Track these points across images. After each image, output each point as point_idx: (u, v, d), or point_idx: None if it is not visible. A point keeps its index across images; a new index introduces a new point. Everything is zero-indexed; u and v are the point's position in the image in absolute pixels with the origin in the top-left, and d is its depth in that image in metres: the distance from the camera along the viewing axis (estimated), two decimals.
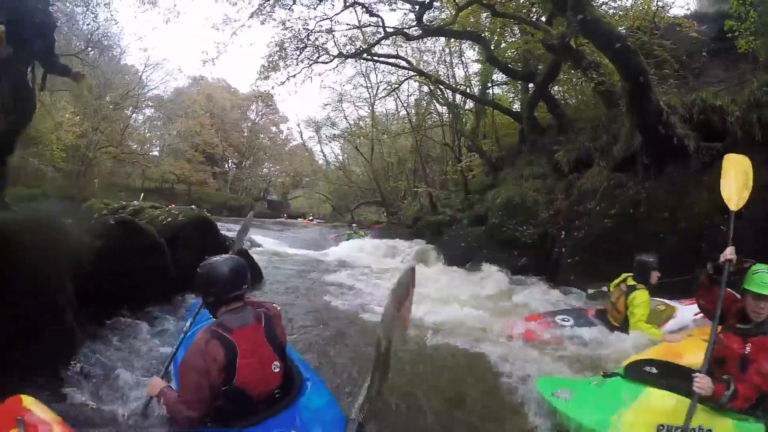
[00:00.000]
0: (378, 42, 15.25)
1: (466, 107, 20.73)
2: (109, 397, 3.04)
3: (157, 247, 5.05)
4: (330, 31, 14.05)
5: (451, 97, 18.67)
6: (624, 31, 10.19)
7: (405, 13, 14.52)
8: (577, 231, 9.50)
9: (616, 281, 4.97)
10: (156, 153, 43.45)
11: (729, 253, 2.89)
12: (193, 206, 12.01)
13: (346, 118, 31.67)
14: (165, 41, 75.12)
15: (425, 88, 20.30)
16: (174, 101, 40.75)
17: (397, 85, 20.85)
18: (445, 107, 20.32)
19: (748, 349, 2.68)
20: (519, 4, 12.52)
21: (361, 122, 30.24)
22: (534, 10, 12.91)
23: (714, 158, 7.29)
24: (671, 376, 2.87)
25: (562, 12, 9.26)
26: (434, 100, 21.19)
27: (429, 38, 20.02)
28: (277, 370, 2.41)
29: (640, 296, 4.55)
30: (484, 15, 13.35)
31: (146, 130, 42.78)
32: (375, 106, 28.05)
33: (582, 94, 13.44)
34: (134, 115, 36.68)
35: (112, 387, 3.15)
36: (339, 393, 3.29)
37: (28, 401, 2.04)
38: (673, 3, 14.54)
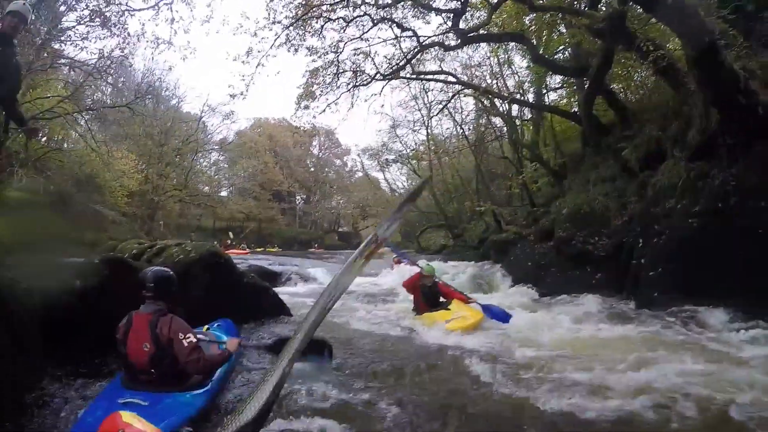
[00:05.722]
0: (415, 56, 14.34)
1: (524, 118, 19.71)
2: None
3: None
4: (364, 52, 13.57)
5: (506, 107, 17.66)
6: None
7: (441, 23, 13.52)
8: (657, 237, 7.99)
9: None
10: (225, 194, 46.08)
11: None
12: (208, 242, 10.90)
13: (401, 143, 31.47)
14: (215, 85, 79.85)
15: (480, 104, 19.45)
16: (236, 144, 43.01)
17: (446, 102, 19.97)
18: (501, 120, 19.35)
19: None
20: None
21: (422, 146, 29.53)
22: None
23: None
24: None
25: None
26: (488, 114, 20.26)
27: (476, 52, 19.26)
28: (146, 349, 3.06)
29: None
30: (528, 17, 12.31)
31: (213, 173, 44.95)
32: (431, 128, 27.44)
33: (646, 82, 11.98)
34: (200, 159, 38.66)
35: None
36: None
37: (127, 416, 2.23)
38: None
